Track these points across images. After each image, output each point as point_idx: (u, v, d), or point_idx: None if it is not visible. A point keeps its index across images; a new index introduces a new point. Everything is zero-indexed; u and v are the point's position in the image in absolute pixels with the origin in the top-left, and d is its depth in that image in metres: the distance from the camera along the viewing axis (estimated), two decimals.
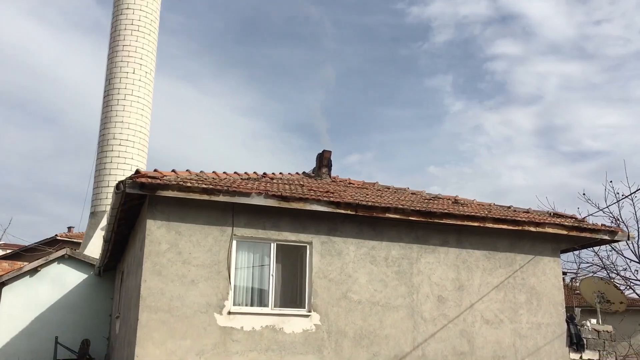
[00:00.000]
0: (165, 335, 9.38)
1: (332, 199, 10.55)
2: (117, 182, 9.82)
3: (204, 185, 9.72)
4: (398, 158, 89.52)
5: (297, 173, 14.85)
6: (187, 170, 10.91)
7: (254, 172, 12.79)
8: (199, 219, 10.01)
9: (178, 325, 9.49)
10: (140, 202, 10.34)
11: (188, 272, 9.75)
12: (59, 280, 18.22)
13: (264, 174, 13.02)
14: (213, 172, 11.48)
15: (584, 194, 17.59)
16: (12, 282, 17.68)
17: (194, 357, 9.46)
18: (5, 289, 17.59)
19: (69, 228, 39.49)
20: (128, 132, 22.89)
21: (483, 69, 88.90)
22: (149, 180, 9.37)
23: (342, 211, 10.58)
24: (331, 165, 15.03)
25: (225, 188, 9.85)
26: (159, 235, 9.71)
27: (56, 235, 35.19)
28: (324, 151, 14.97)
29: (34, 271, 17.90)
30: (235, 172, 12.17)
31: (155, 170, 10.08)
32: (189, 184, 9.61)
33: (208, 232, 10.02)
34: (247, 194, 9.97)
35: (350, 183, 14.33)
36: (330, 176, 14.81)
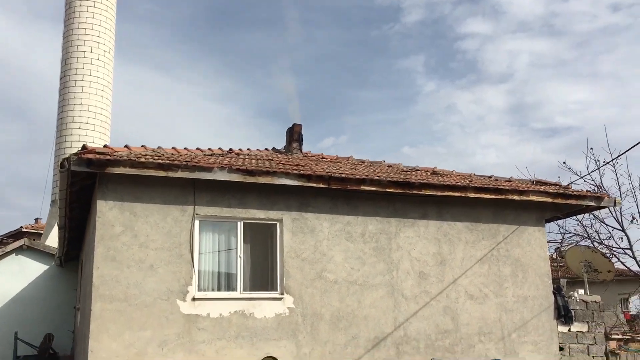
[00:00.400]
0: (123, 327, 8.51)
1: (302, 171, 9.72)
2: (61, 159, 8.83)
3: (159, 161, 8.80)
4: (372, 140, 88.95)
5: (265, 149, 13.98)
6: (142, 146, 9.98)
7: (219, 148, 11.88)
8: (157, 198, 9.10)
9: (136, 315, 8.62)
10: (92, 182, 9.37)
11: (146, 257, 8.86)
12: (19, 273, 17.13)
13: (230, 149, 12.12)
14: (172, 147, 10.55)
15: (564, 162, 17.05)
16: None
17: (156, 348, 8.62)
18: None
19: (36, 220, 38.08)
20: (88, 115, 21.69)
21: (454, 49, 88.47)
22: (97, 156, 8.42)
23: (314, 185, 9.76)
24: (302, 140, 14.19)
25: (184, 163, 8.95)
26: (112, 217, 8.79)
27: (21, 227, 33.83)
28: (294, 125, 14.11)
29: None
30: (197, 148, 11.26)
31: (105, 146, 9.12)
32: (142, 160, 8.69)
33: (167, 212, 9.13)
34: (209, 169, 9.08)
35: (322, 157, 13.52)
36: (301, 151, 13.97)
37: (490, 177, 12.50)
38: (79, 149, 8.94)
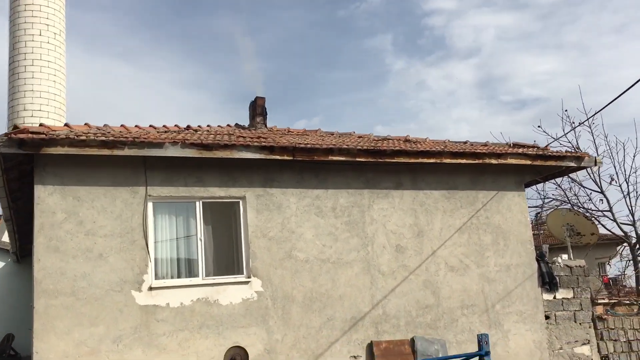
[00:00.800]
0: (71, 323, 7.67)
1: (264, 143, 8.91)
2: None
3: (102, 138, 7.90)
4: (345, 120, 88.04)
5: (228, 125, 13.09)
6: (85, 124, 9.05)
7: (175, 125, 10.97)
8: (103, 180, 8.22)
9: (86, 310, 7.78)
10: (31, 166, 8.43)
11: (94, 245, 7.99)
12: None
13: (188, 126, 11.21)
14: (121, 125, 9.63)
15: (539, 126, 16.49)
16: None
17: (110, 345, 7.80)
18: None
19: None
20: (40, 102, 20.44)
21: (421, 25, 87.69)
22: (31, 136, 7.50)
23: (278, 157, 8.97)
24: (266, 114, 13.31)
25: (132, 139, 8.06)
26: (52, 203, 7.89)
27: None
28: (256, 98, 13.21)
29: None
30: (150, 125, 10.34)
31: (41, 125, 8.18)
32: (83, 138, 7.78)
33: (115, 194, 8.26)
34: (160, 145, 8.22)
35: (289, 131, 12.68)
36: (266, 125, 13.11)
37: (465, 142, 11.84)
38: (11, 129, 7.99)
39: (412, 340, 9.48)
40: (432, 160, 9.97)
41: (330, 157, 9.30)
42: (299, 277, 9.10)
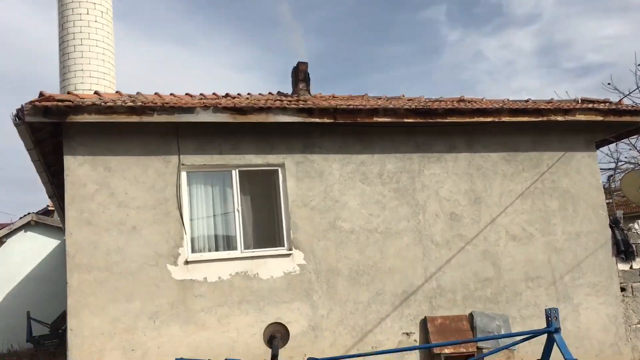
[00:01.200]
0: (105, 299, 7.34)
1: (302, 105, 8.26)
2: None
3: (130, 104, 7.45)
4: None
5: (269, 93, 12.50)
6: (116, 92, 8.64)
7: (213, 93, 10.46)
8: (134, 149, 7.80)
9: (121, 285, 7.43)
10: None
11: (127, 217, 7.61)
12: (29, 250, 16.30)
13: (226, 94, 10.69)
14: (155, 93, 9.18)
15: (609, 84, 15.09)
16: None
17: (147, 321, 7.44)
18: None
19: None
20: (90, 81, 20.41)
21: None
22: (56, 103, 7.12)
23: (317, 120, 8.31)
24: (309, 80, 12.61)
25: (160, 105, 7.59)
26: (82, 174, 7.54)
27: (47, 206, 33.41)
28: (298, 63, 12.49)
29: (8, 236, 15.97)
30: (187, 94, 9.86)
31: (69, 93, 7.80)
32: (110, 104, 7.36)
33: (147, 164, 7.83)
34: (191, 110, 7.71)
35: (333, 97, 11.98)
36: (309, 92, 12.43)
37: (527, 100, 10.81)
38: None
39: (471, 316, 8.72)
40: (489, 119, 9.08)
41: (375, 119, 8.57)
42: (344, 248, 8.48)
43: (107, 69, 21.21)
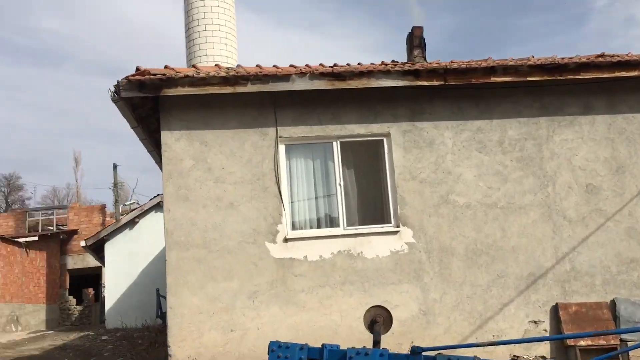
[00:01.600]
0: (204, 277, 7.12)
1: (407, 67, 7.46)
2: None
3: (223, 74, 7.12)
4: None
5: (382, 62, 11.74)
6: (215, 65, 8.39)
7: (320, 64, 9.92)
8: (230, 122, 7.49)
9: (219, 263, 7.17)
10: None
11: (224, 193, 7.33)
12: (159, 229, 16.98)
13: (334, 64, 10.11)
14: (256, 65, 8.82)
15: None
16: (113, 238, 16.77)
17: (245, 301, 7.13)
18: (107, 245, 16.75)
19: None
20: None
21: None
22: (150, 77, 6.96)
23: (425, 83, 7.47)
24: (425, 45, 11.68)
25: (254, 74, 7.18)
26: (179, 150, 7.36)
27: None
28: (413, 28, 11.61)
29: (132, 223, 16.82)
30: (291, 65, 9.40)
31: (165, 67, 7.64)
32: (203, 75, 7.08)
33: (244, 137, 7.48)
34: (286, 77, 7.23)
35: (452, 62, 10.96)
36: (425, 59, 11.49)
37: None
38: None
39: (613, 303, 7.48)
40: (633, 74, 7.67)
41: (493, 79, 7.55)
42: (458, 225, 7.59)
43: (230, 52, 21.53)
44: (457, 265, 7.51)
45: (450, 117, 7.85)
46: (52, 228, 30.36)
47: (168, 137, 7.35)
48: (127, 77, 6.97)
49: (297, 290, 7.22)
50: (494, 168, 7.77)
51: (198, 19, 21.45)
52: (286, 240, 7.31)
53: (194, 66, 8.15)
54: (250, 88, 7.16)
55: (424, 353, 4.00)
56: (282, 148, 7.57)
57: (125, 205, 29.98)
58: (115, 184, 29.63)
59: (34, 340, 16.50)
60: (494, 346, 7.04)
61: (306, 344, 5.08)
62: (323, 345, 5.14)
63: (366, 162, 7.94)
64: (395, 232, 7.51)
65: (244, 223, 7.28)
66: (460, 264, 7.51)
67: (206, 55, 21.21)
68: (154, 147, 8.97)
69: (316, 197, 7.74)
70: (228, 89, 7.13)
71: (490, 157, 7.80)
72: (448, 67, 7.47)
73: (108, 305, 16.74)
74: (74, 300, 29.09)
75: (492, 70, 7.50)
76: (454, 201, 7.66)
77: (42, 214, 31.74)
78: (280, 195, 7.39)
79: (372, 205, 7.89)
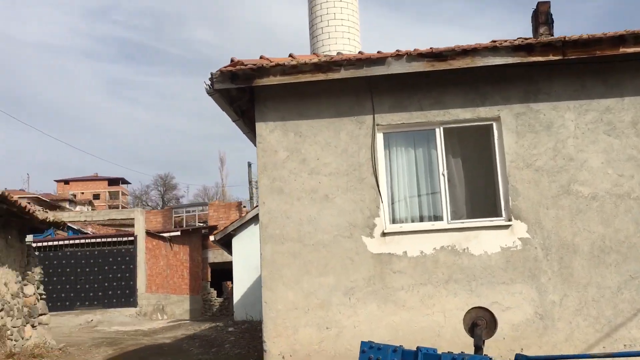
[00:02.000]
0: (299, 272, 6.90)
1: (518, 42, 6.67)
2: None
3: (315, 61, 6.85)
4: None
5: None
6: (313, 54, 8.13)
7: (430, 48, 9.31)
8: (325, 111, 7.19)
9: (314, 258, 6.91)
10: None
11: (318, 185, 7.05)
12: None
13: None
14: (359, 52, 8.46)
15: None
16: (239, 233, 17.27)
17: (342, 297, 6.79)
18: (234, 240, 17.29)
19: None
20: None
21: None
22: (241, 67, 6.87)
23: (540, 58, 6.64)
24: (552, 22, 10.58)
25: (347, 59, 6.83)
26: (274, 141, 7.20)
27: None
28: (538, 4, 10.58)
29: (256, 219, 17.18)
30: (397, 51, 8.91)
31: (261, 57, 7.52)
32: (294, 63, 6.85)
33: (339, 126, 7.15)
34: (381, 61, 6.79)
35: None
36: (552, 36, 10.41)
37: None
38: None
39: None
40: None
41: (622, 50, 6.53)
42: (582, 219, 6.66)
43: (353, 47, 21.34)
44: (580, 264, 6.59)
45: (572, 97, 6.92)
46: (194, 224, 32.30)
47: (262, 129, 7.22)
48: (219, 69, 6.94)
49: (396, 287, 6.74)
50: (626, 153, 6.73)
51: (321, 15, 21.49)
52: (384, 234, 6.87)
53: (290, 55, 7.95)
54: (343, 74, 6.81)
55: None
56: (379, 137, 7.14)
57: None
58: (249, 182, 30.79)
59: (171, 328, 17.49)
60: (624, 358, 6.09)
61: (400, 346, 4.66)
62: (418, 348, 4.68)
63: (473, 150, 7.25)
64: (507, 227, 6.76)
65: (339, 216, 6.95)
66: (585, 262, 6.58)
67: (329, 51, 21.17)
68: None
69: (418, 189, 7.20)
70: (320, 76, 6.83)
71: (622, 140, 6.76)
72: (567, 39, 6.57)
73: (235, 298, 17.27)
74: (215, 292, 30.70)
75: (620, 40, 6.48)
76: (576, 191, 6.73)
77: (186, 211, 33.89)
78: (378, 186, 6.96)
79: (481, 197, 7.20)
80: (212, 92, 7.09)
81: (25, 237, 12.53)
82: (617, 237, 6.58)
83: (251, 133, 8.52)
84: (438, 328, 6.60)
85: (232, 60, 7.21)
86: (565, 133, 6.85)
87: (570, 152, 6.81)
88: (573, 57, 6.60)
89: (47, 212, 12.39)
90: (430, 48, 6.81)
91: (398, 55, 6.76)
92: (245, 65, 6.86)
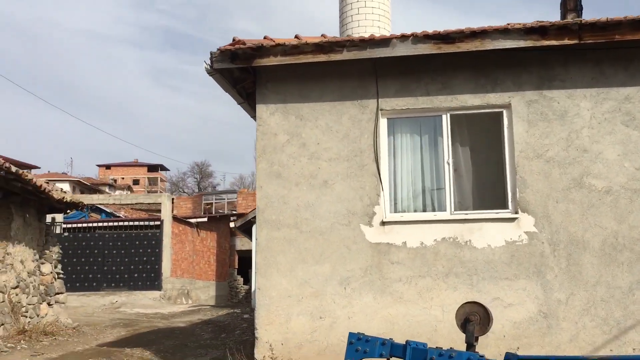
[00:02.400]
0: (294, 259, 6.70)
1: (531, 25, 6.30)
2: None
3: (317, 41, 6.61)
4: None
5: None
6: (321, 35, 7.89)
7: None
8: (328, 94, 6.96)
9: (310, 245, 6.70)
10: None
11: (318, 171, 6.83)
12: None
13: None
14: (371, 35, 8.16)
15: None
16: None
17: (337, 287, 6.57)
18: (253, 228, 17.16)
19: None
20: None
21: None
22: (241, 46, 6.68)
23: (554, 42, 6.25)
24: (581, 9, 10.10)
25: (350, 40, 6.57)
26: (274, 124, 7.00)
27: None
28: None
29: None
30: (402, 33, 8.58)
31: (265, 38, 7.31)
32: (295, 43, 6.63)
33: (341, 110, 6.90)
34: (385, 42, 6.51)
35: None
36: None
37: None
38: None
39: None
40: None
41: None
42: (594, 214, 6.27)
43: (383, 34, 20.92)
44: (589, 261, 6.20)
45: (589, 84, 6.51)
46: (223, 211, 32.46)
47: (263, 111, 7.03)
48: (219, 47, 6.77)
49: (394, 279, 6.49)
50: None
51: (351, 3, 21.14)
52: (383, 223, 6.61)
53: (296, 36, 7.73)
54: (345, 55, 6.55)
55: None
56: (383, 122, 6.86)
57: None
58: None
59: (190, 313, 17.56)
60: None
61: (389, 339, 4.43)
62: (407, 342, 4.44)
63: (482, 139, 6.91)
64: (513, 220, 6.41)
65: (338, 203, 6.72)
66: (595, 260, 6.20)
67: None
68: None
69: (422, 177, 6.91)
70: (322, 57, 6.59)
71: None
72: (583, 22, 6.16)
73: (254, 285, 17.18)
74: (242, 279, 30.84)
75: None
76: (589, 185, 6.34)
77: (216, 198, 34.10)
78: (379, 174, 6.69)
79: (489, 188, 6.86)
80: (212, 71, 6.93)
81: (45, 216, 12.67)
82: (631, 234, 6.17)
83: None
84: (435, 323, 6.32)
85: (234, 39, 7.03)
86: (580, 123, 6.45)
87: (585, 143, 6.41)
88: (590, 41, 6.19)
89: (65, 192, 12.48)
90: (438, 31, 6.49)
91: (403, 37, 6.46)
92: (246, 44, 6.67)
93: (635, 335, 6.00)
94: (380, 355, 4.37)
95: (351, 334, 4.46)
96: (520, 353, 5.81)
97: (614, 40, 6.17)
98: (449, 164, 6.73)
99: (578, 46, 6.29)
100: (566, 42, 6.23)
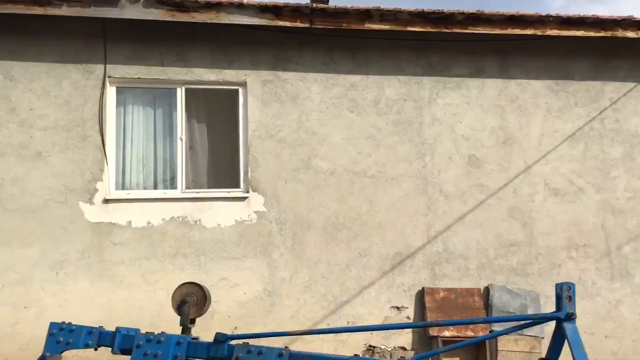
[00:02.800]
0: None
1: (266, 3, 6.27)
2: None
3: None
4: None
5: None
6: None
7: None
8: (47, 54, 6.14)
9: (17, 225, 5.85)
10: None
11: (30, 140, 5.99)
12: None
13: None
14: None
15: None
16: None
17: (47, 272, 5.84)
18: None
19: None
20: None
21: None
22: None
23: (288, 24, 6.31)
24: None
25: None
26: None
27: None
28: None
29: None
30: None
31: None
32: None
33: (62, 73, 6.14)
34: (113, 2, 5.94)
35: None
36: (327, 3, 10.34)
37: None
38: None
39: (487, 290, 6.58)
40: (528, 32, 6.73)
41: (368, 25, 6.46)
42: (319, 194, 6.51)
43: None
44: (313, 240, 6.43)
45: (320, 69, 6.73)
46: None
47: None
48: None
49: (116, 262, 5.98)
50: (366, 131, 6.71)
51: None
52: (107, 201, 6.05)
53: None
54: (66, 11, 5.82)
55: (232, 342, 3.39)
56: (112, 90, 6.28)
57: None
58: None
59: None
60: (347, 334, 6.05)
61: (99, 327, 3.91)
62: (117, 328, 3.97)
63: (220, 116, 6.74)
64: (244, 199, 6.36)
65: (53, 178, 5.97)
66: (318, 238, 6.44)
67: None
68: None
69: (155, 153, 6.49)
70: (37, 10, 5.78)
71: (363, 118, 6.73)
72: (314, 6, 6.32)
73: None
74: None
75: (366, 15, 6.41)
76: (316, 166, 6.56)
77: None
78: (104, 146, 6.11)
79: (226, 167, 6.70)
80: None
81: None
82: (351, 214, 6.54)
83: None
84: (159, 307, 5.96)
85: None
86: (310, 106, 6.64)
87: (313, 126, 6.61)
88: (320, 26, 6.38)
89: None
90: None
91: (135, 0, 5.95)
92: None
93: (350, 310, 6.37)
94: (87, 345, 3.92)
95: (52, 324, 3.90)
96: (242, 332, 5.76)
97: (341, 28, 6.44)
98: (182, 139, 6.42)
99: (312, 30, 6.45)
100: (298, 24, 6.33)
